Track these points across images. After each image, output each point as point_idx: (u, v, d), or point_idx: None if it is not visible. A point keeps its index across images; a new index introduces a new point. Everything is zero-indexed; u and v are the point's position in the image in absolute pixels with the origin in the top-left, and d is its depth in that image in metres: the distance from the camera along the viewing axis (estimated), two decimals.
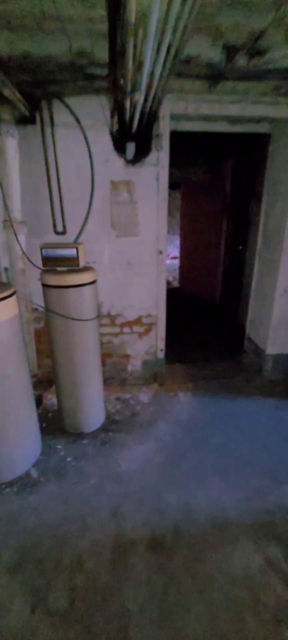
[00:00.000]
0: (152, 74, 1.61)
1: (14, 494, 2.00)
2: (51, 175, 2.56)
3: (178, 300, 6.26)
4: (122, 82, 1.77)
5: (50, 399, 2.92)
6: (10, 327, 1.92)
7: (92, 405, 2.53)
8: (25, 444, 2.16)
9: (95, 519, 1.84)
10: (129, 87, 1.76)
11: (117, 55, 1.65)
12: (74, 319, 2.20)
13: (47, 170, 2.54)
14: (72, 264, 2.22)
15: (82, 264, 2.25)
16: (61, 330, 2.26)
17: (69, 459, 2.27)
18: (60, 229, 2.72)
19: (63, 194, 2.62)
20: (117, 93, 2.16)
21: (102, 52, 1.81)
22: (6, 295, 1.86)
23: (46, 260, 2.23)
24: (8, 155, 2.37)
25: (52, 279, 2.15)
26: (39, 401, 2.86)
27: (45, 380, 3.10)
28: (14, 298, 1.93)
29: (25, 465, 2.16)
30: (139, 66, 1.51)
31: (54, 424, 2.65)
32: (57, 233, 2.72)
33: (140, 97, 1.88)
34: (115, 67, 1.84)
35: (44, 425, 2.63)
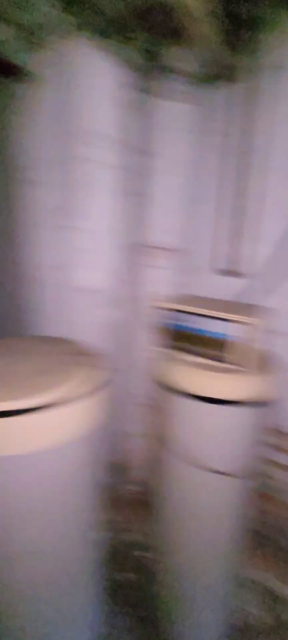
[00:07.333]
0: None
1: None
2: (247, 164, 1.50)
3: None
4: None
5: None
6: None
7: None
8: None
9: None
10: None
11: None
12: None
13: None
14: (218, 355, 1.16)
15: (244, 360, 1.13)
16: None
17: None
18: (229, 264, 1.60)
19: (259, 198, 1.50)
20: None
21: None
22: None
23: (176, 335, 1.25)
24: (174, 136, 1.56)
25: (184, 375, 1.15)
26: None
27: None
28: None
29: None
30: None
31: None
32: (222, 273, 1.63)
33: None
34: None
35: None
